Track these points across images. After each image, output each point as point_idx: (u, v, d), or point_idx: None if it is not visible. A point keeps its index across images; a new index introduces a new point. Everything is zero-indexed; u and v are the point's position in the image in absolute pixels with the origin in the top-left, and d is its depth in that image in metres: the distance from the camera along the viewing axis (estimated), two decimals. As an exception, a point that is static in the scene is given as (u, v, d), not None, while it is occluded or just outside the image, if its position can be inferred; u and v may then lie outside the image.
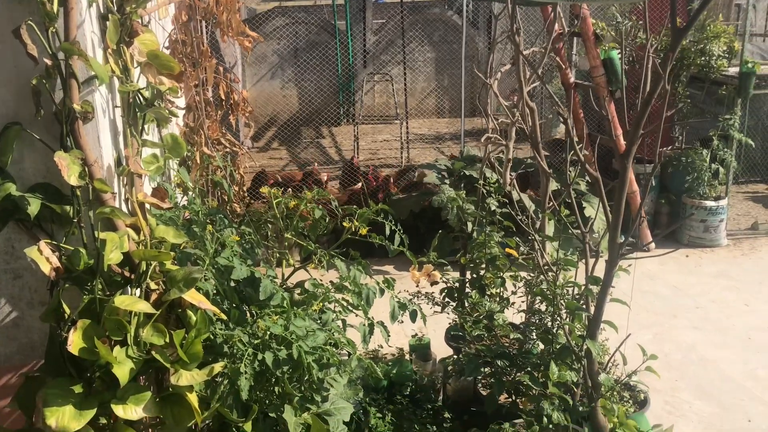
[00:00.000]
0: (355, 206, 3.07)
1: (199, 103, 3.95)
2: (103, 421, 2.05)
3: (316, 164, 7.87)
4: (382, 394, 3.50)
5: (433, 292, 3.90)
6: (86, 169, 2.02)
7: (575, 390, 2.98)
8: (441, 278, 3.59)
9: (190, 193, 3.24)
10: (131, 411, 1.92)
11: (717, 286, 5.87)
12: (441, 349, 4.14)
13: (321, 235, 3.08)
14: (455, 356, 3.70)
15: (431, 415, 3.51)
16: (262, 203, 5.51)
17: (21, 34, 1.90)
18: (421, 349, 4.12)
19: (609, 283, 2.70)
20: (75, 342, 1.90)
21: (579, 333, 2.97)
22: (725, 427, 3.96)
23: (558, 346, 3.03)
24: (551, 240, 3.61)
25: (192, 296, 2.10)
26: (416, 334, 4.21)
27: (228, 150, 4.62)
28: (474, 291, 3.78)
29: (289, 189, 6.67)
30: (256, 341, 2.30)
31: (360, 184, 6.87)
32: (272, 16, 11.69)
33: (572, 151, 2.84)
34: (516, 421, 3.09)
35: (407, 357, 4.11)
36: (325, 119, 11.52)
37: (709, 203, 6.65)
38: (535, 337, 3.34)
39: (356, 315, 2.82)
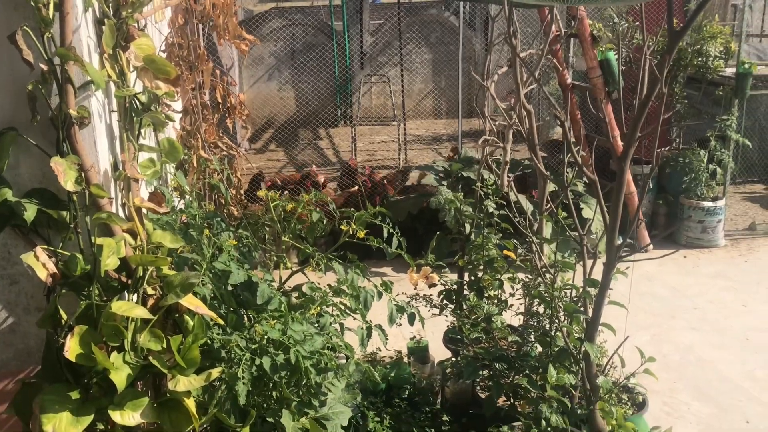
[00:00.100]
0: (352, 209, 3.06)
1: (196, 107, 3.95)
2: (101, 427, 2.05)
3: (314, 166, 7.87)
4: (380, 398, 3.50)
5: (431, 295, 3.90)
6: (83, 174, 2.01)
7: (573, 393, 2.98)
8: (439, 280, 3.59)
9: (187, 196, 3.23)
10: (129, 417, 1.92)
11: (715, 287, 5.88)
12: (439, 352, 4.14)
13: (318, 237, 3.08)
14: (453, 359, 3.69)
15: (430, 418, 3.50)
16: (259, 206, 5.51)
17: (16, 40, 1.89)
18: (419, 351, 4.11)
19: (607, 286, 2.70)
20: (72, 348, 1.89)
21: (577, 336, 2.97)
22: (723, 428, 3.97)
23: (556, 349, 3.03)
24: (549, 242, 3.61)
25: (189, 301, 2.10)
26: (414, 337, 4.21)
27: (225, 153, 4.61)
28: (472, 293, 3.78)
29: (286, 192, 6.66)
30: (253, 346, 2.29)
31: (356, 187, 6.87)
32: (269, 18, 11.69)
33: (569, 153, 2.84)
34: (514, 424, 3.08)
35: (405, 360, 4.10)
36: (322, 121, 11.53)
37: (707, 204, 6.66)
38: (533, 339, 3.33)
39: (354, 318, 2.82)
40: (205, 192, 4.06)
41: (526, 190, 6.76)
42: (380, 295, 2.86)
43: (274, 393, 2.35)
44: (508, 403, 3.26)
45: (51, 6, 1.92)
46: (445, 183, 6.44)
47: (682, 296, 5.70)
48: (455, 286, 3.93)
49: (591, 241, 5.24)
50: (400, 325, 2.96)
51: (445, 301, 3.90)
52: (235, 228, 3.11)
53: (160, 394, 2.20)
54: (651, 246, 6.44)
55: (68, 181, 1.95)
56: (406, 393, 3.61)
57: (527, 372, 3.09)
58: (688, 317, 5.33)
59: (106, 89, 2.27)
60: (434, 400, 3.74)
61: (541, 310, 3.40)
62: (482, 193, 4.07)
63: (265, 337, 2.30)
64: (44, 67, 1.97)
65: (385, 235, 2.99)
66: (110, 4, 2.18)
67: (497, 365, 3.17)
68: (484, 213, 3.95)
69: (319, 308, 2.67)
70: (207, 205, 4.01)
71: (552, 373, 2.86)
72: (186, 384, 2.01)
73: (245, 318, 2.56)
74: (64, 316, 2.02)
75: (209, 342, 2.26)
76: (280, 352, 2.29)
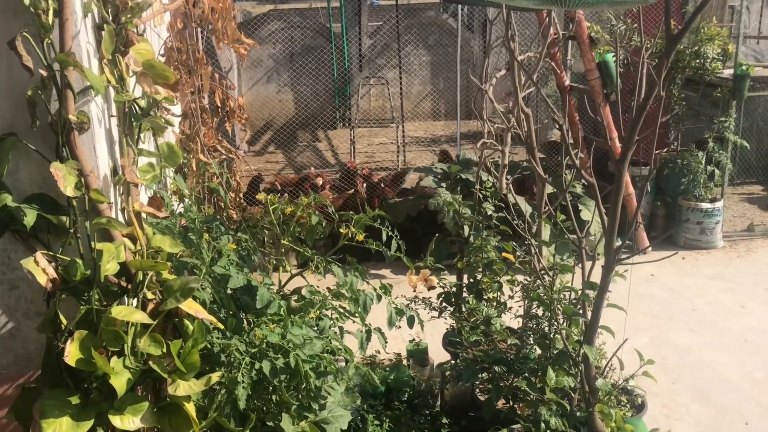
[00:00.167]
0: (351, 212, 3.07)
1: (195, 111, 3.95)
2: (101, 431, 2.05)
3: (312, 168, 7.88)
4: (380, 400, 3.50)
5: (430, 297, 3.90)
6: (82, 179, 2.02)
7: (573, 395, 2.99)
8: (438, 283, 3.59)
9: (187, 200, 3.24)
10: (129, 421, 1.92)
11: (713, 288, 5.89)
12: (438, 354, 4.14)
13: (317, 239, 3.09)
14: (453, 361, 3.70)
15: (429, 421, 3.51)
16: (258, 208, 5.51)
17: (16, 46, 1.90)
18: (418, 354, 4.12)
19: (606, 288, 2.71)
20: (72, 353, 1.89)
21: (576, 338, 2.98)
22: (723, 430, 3.97)
23: (555, 352, 3.03)
24: (547, 245, 3.62)
25: (189, 306, 2.10)
26: (414, 339, 4.21)
27: (224, 156, 4.62)
28: (471, 296, 3.79)
29: (285, 194, 6.66)
30: (253, 350, 2.30)
31: (353, 191, 6.87)
32: (268, 20, 11.71)
33: (568, 156, 2.85)
34: (514, 426, 3.09)
35: (405, 362, 4.11)
36: (321, 123, 11.54)
37: (705, 205, 6.68)
38: (532, 342, 3.34)
39: (353, 321, 2.83)
40: (204, 195, 4.06)
41: (525, 191, 6.77)
42: (379, 298, 2.87)
43: (273, 397, 2.36)
44: (508, 405, 3.26)
45: (51, 12, 1.93)
46: (444, 185, 6.44)
47: (681, 298, 5.71)
48: (454, 289, 3.94)
49: (590, 243, 5.25)
50: (400, 327, 2.97)
51: (444, 304, 3.91)
52: (235, 231, 3.11)
53: (160, 399, 2.20)
54: (650, 248, 6.44)
55: (68, 186, 1.96)
56: (406, 396, 3.62)
57: (526, 374, 3.10)
58: (687, 319, 5.33)
59: (106, 94, 2.28)
60: (433, 402, 3.75)
61: (540, 312, 3.41)
62: (481, 196, 4.08)
63: (265, 341, 2.30)
64: (44, 73, 1.97)
65: (384, 238, 3.00)
66: (109, 10, 2.18)
67: (496, 368, 3.18)
68: (483, 215, 3.95)
69: (318, 312, 2.67)
70: (206, 209, 4.01)
71: (551, 376, 2.87)
72: (186, 388, 2.01)
73: (245, 322, 2.56)
74: (64, 321, 2.02)
75: (209, 346, 2.27)
76: (279, 356, 2.30)
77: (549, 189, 3.50)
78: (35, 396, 2.01)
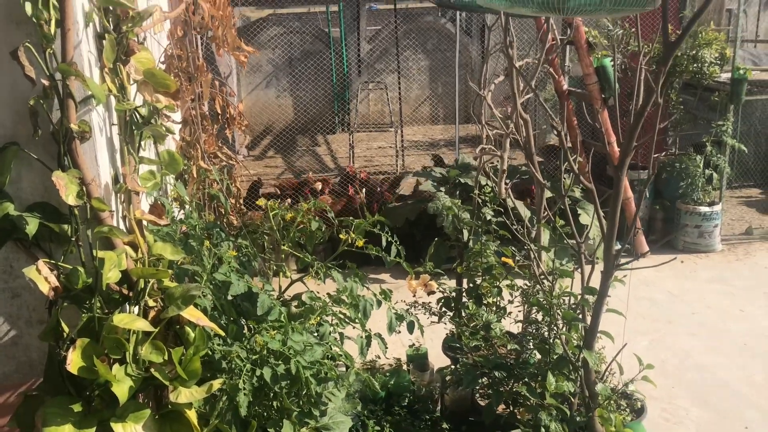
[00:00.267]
0: (351, 217, 3.08)
1: (195, 118, 3.97)
2: (103, 439, 2.06)
3: (310, 173, 7.89)
4: (380, 406, 3.51)
5: (430, 302, 3.91)
6: (84, 188, 2.03)
7: (572, 400, 3.00)
8: (438, 288, 3.60)
9: (187, 206, 3.25)
10: (131, 429, 1.93)
11: (712, 292, 5.90)
12: (438, 359, 4.15)
13: (317, 244, 3.10)
14: (453, 366, 3.71)
15: (429, 426, 3.51)
16: (258, 213, 5.52)
17: (19, 56, 1.91)
18: (418, 359, 4.13)
19: (605, 293, 2.72)
20: (74, 361, 1.90)
21: (576, 343, 2.99)
22: (722, 434, 3.99)
23: (555, 356, 3.04)
24: (547, 250, 3.63)
25: (190, 313, 2.11)
26: (413, 344, 4.22)
27: (225, 163, 4.63)
28: (471, 300, 3.80)
29: (287, 200, 6.68)
30: (254, 357, 2.31)
31: (351, 194, 6.88)
32: (266, 25, 11.74)
33: (566, 161, 2.86)
34: (514, 431, 3.10)
35: (405, 367, 4.11)
36: (320, 127, 11.57)
37: (704, 209, 6.69)
38: (532, 347, 3.35)
39: (353, 327, 2.84)
40: (204, 202, 4.07)
41: (524, 194, 6.79)
42: (379, 303, 2.88)
43: (274, 403, 2.37)
44: (508, 410, 3.27)
45: (53, 22, 1.94)
46: (442, 189, 6.46)
47: (680, 301, 5.72)
48: (454, 294, 3.95)
49: (589, 248, 5.27)
50: (399, 332, 2.98)
51: (443, 309, 3.91)
52: (235, 237, 3.13)
53: (161, 406, 2.21)
54: (649, 253, 6.46)
55: (69, 195, 1.97)
56: (406, 401, 3.62)
57: (526, 379, 3.11)
58: (686, 322, 5.34)
59: (107, 103, 2.29)
60: (434, 407, 3.76)
61: (539, 317, 3.42)
62: (480, 201, 4.10)
63: (266, 347, 2.31)
64: (46, 83, 1.99)
65: (384, 244, 3.01)
66: (111, 19, 2.20)
67: (496, 373, 3.19)
68: (482, 220, 3.97)
69: (318, 318, 2.68)
70: (207, 215, 4.02)
71: (551, 381, 2.88)
72: (187, 395, 2.02)
73: (245, 328, 2.57)
74: (66, 329, 2.03)
75: (210, 353, 2.28)
76: (280, 362, 2.31)
77: (548, 193, 3.51)
78: (37, 404, 2.01)
